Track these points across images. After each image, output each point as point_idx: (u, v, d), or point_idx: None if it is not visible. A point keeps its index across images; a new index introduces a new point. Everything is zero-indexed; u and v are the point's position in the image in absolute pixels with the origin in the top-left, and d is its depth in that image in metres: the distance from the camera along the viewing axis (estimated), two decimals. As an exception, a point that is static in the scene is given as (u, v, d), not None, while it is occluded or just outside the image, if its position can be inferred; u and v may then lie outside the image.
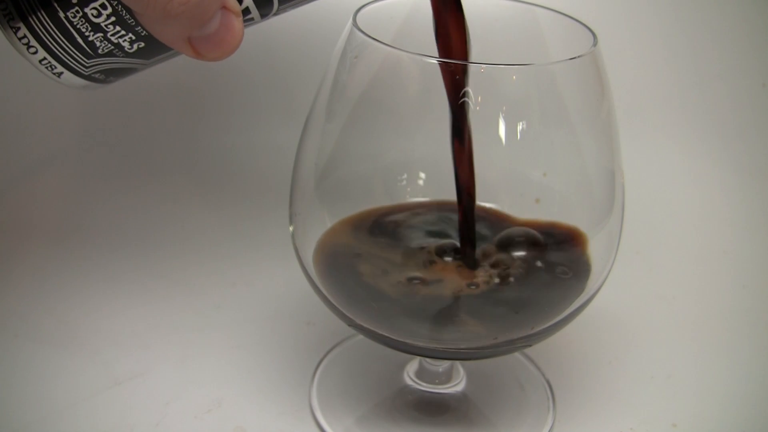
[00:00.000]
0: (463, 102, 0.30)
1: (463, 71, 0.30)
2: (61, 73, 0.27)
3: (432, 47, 0.31)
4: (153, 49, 0.26)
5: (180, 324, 0.42)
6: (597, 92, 0.31)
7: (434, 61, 0.29)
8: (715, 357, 0.42)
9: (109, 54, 0.26)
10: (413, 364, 0.39)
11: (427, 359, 0.38)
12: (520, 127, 0.31)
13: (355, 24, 0.30)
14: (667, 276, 0.49)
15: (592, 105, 0.32)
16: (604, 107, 0.32)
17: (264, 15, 0.27)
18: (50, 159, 0.56)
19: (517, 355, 0.41)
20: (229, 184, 0.57)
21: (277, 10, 0.27)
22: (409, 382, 0.38)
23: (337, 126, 0.33)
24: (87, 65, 0.27)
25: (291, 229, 0.34)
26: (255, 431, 0.35)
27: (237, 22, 0.25)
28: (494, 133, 0.30)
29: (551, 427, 0.37)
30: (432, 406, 0.37)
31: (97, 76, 0.28)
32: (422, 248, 0.34)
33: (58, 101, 0.58)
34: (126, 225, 0.51)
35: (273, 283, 0.46)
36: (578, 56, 0.29)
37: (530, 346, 0.34)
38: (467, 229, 0.34)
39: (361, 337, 0.41)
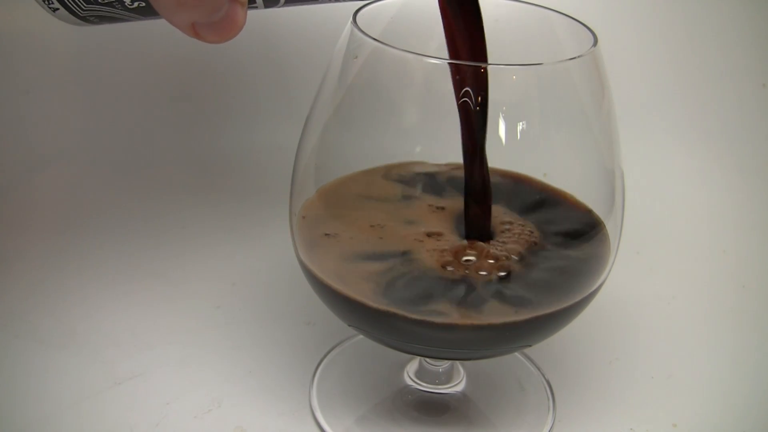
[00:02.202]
0: (480, 103, 0.30)
1: (476, 73, 0.30)
2: (57, 9, 0.27)
3: (430, 46, 0.31)
4: (151, 10, 0.27)
5: (180, 324, 0.42)
6: (597, 92, 0.31)
7: (435, 61, 0.29)
8: (715, 357, 0.42)
9: (109, 5, 0.27)
10: (413, 364, 0.39)
11: (427, 359, 0.38)
12: (520, 127, 0.31)
13: (355, 24, 0.30)
14: (667, 276, 0.49)
15: (592, 105, 0.32)
16: (604, 107, 0.32)
17: (268, 6, 0.27)
18: (50, 159, 0.56)
19: (517, 355, 0.41)
20: (230, 184, 0.57)
21: (284, 4, 0.28)
22: (409, 382, 0.38)
23: (337, 126, 0.33)
24: (84, 9, 0.27)
25: (291, 229, 0.34)
26: (255, 431, 0.35)
27: (242, 11, 0.25)
28: (494, 133, 0.30)
29: (551, 427, 0.37)
30: (432, 406, 0.37)
31: (91, 18, 0.28)
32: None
33: (58, 101, 0.58)
34: (126, 225, 0.51)
35: (273, 283, 0.46)
36: (578, 56, 0.30)
37: (530, 346, 0.34)
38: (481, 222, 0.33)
39: (361, 337, 0.41)
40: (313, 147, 0.33)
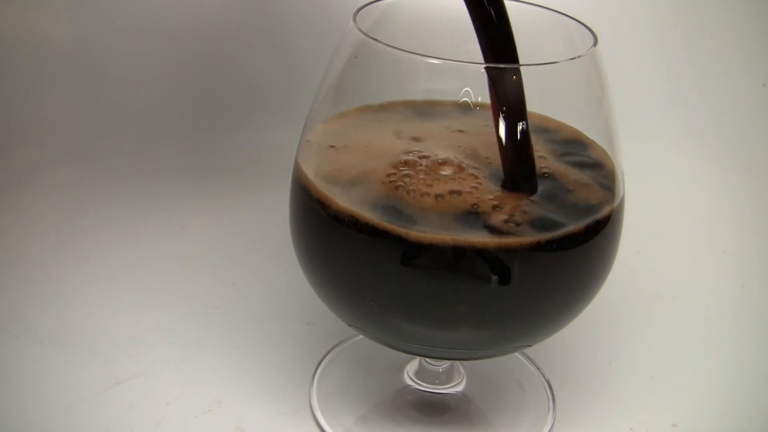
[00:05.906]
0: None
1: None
2: None
3: (426, 46, 0.31)
4: None
5: (180, 324, 0.42)
6: (597, 92, 0.31)
7: (435, 61, 0.29)
8: (715, 357, 0.42)
9: None
10: (413, 364, 0.39)
11: (427, 359, 0.38)
12: (520, 127, 0.30)
13: (355, 24, 0.30)
14: (667, 276, 0.49)
15: (592, 105, 0.32)
16: (604, 107, 0.32)
17: None
18: (50, 159, 0.56)
19: (517, 355, 0.41)
20: (230, 184, 0.57)
21: None
22: (409, 382, 0.38)
23: (337, 126, 0.33)
24: None
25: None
26: (255, 431, 0.35)
27: None
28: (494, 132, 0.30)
29: (551, 427, 0.37)
30: (432, 406, 0.37)
31: None
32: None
33: (58, 101, 0.58)
34: (126, 225, 0.51)
35: (273, 283, 0.46)
36: (578, 56, 0.30)
37: (530, 346, 0.34)
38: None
39: (361, 337, 0.41)
40: (314, 147, 0.33)
